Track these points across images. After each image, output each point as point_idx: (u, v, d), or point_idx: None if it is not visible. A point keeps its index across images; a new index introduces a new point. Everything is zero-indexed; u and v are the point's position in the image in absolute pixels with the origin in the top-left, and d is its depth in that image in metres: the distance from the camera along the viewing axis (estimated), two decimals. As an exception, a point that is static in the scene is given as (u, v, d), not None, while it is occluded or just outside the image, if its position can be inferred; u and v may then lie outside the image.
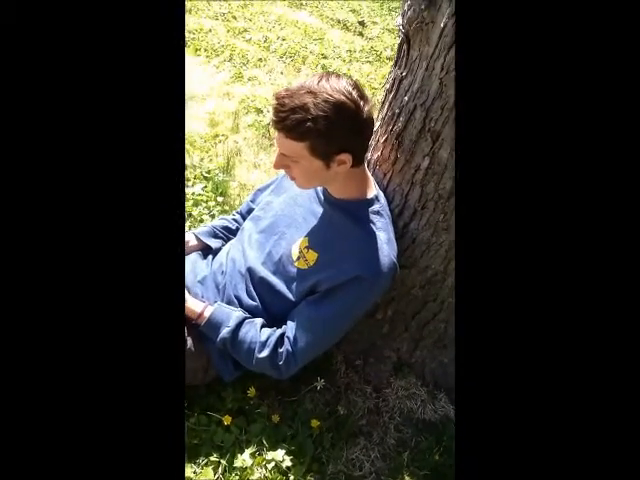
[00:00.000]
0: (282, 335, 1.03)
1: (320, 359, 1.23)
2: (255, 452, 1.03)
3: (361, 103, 0.88)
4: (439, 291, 1.15)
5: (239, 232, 1.25)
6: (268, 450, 1.03)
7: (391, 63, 1.15)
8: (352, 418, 1.14)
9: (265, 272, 1.08)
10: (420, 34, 0.92)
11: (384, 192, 1.10)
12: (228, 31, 3.66)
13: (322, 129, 0.85)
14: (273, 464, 1.01)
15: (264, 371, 1.05)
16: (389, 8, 5.83)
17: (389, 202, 1.09)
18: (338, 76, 0.89)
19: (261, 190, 1.34)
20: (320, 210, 1.08)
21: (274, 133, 0.92)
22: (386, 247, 0.99)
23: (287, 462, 1.02)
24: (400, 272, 1.09)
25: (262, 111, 2.60)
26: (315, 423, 1.08)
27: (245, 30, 3.74)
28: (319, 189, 1.09)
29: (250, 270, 1.10)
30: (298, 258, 1.05)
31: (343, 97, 0.86)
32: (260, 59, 3.26)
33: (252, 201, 1.34)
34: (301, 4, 4.98)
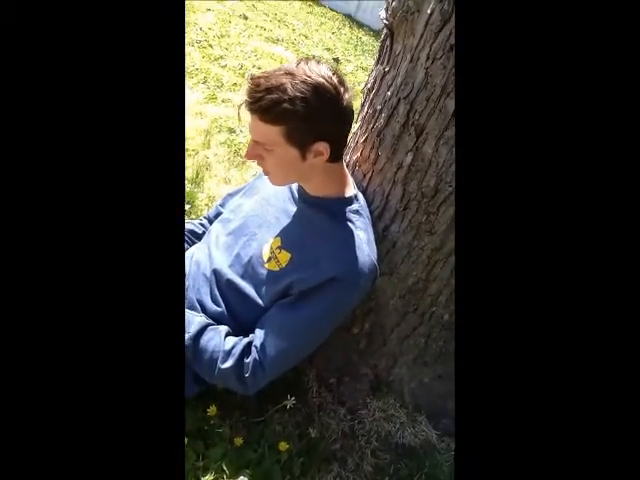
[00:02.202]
0: (249, 344, 0.92)
1: (291, 376, 1.13)
2: (214, 480, 0.89)
3: (341, 89, 0.83)
4: (420, 301, 1.08)
5: (206, 234, 1.15)
6: (229, 478, 0.90)
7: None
8: (325, 442, 1.03)
9: (232, 275, 0.99)
10: (404, 25, 0.89)
11: (364, 194, 1.04)
12: (203, 57, 3.66)
13: (299, 111, 0.79)
14: (234, 494, 0.87)
15: (228, 385, 0.93)
16: (363, 50, 6.06)
17: (369, 204, 1.03)
18: (318, 61, 0.85)
19: (231, 195, 1.26)
20: (294, 209, 1.00)
21: (247, 117, 0.85)
22: (366, 247, 0.91)
23: (250, 492, 0.89)
24: (379, 280, 1.02)
25: (235, 131, 2.55)
26: (284, 446, 0.96)
27: (221, 57, 3.75)
28: (294, 188, 1.02)
29: (216, 272, 1.00)
30: (269, 259, 0.96)
31: (322, 80, 0.81)
32: (235, 84, 3.25)
33: (221, 205, 1.25)
34: (277, 40, 5.10)
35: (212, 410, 0.98)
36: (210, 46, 4.01)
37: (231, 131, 2.51)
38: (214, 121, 2.59)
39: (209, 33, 4.30)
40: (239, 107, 0.86)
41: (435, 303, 1.08)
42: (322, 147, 0.85)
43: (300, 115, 0.80)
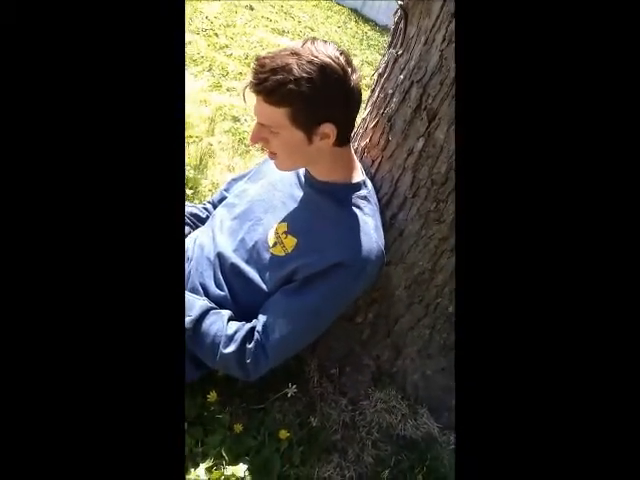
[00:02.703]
0: (252, 329, 0.90)
1: (292, 365, 1.11)
2: (212, 466, 0.88)
3: (348, 70, 0.81)
4: (425, 292, 1.06)
5: (210, 219, 1.13)
6: (228, 464, 0.88)
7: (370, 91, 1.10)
8: (326, 432, 1.01)
9: (237, 259, 0.97)
10: (420, 6, 0.87)
11: (372, 180, 1.01)
12: (209, 45, 3.62)
13: (305, 92, 0.77)
14: (233, 481, 0.86)
15: (229, 370, 0.91)
16: (368, 44, 6.02)
17: (377, 190, 1.01)
18: (325, 41, 0.83)
19: (236, 180, 1.24)
20: (301, 194, 0.98)
21: (252, 99, 0.83)
22: (374, 233, 0.89)
23: (249, 479, 0.87)
24: (385, 269, 1.00)
25: (239, 119, 2.52)
26: (284, 434, 0.94)
27: (226, 46, 3.71)
28: (301, 173, 1.00)
29: (220, 256, 0.98)
30: (275, 244, 0.94)
31: (329, 60, 0.78)
32: (240, 73, 3.22)
33: (226, 190, 1.23)
34: (283, 31, 5.06)
35: (212, 396, 0.96)
36: (215, 35, 3.97)
37: (235, 119, 2.49)
38: (218, 109, 2.56)
39: (215, 22, 4.26)
40: (244, 89, 0.84)
41: (441, 294, 1.06)
42: (329, 129, 0.83)
43: (306, 96, 0.77)
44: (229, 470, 0.86)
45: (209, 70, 3.08)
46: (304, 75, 0.77)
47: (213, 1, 4.91)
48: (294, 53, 0.78)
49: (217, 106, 2.58)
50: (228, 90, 2.89)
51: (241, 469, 0.87)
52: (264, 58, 0.79)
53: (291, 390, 1.00)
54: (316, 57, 0.78)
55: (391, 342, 1.13)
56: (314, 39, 0.82)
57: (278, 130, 0.83)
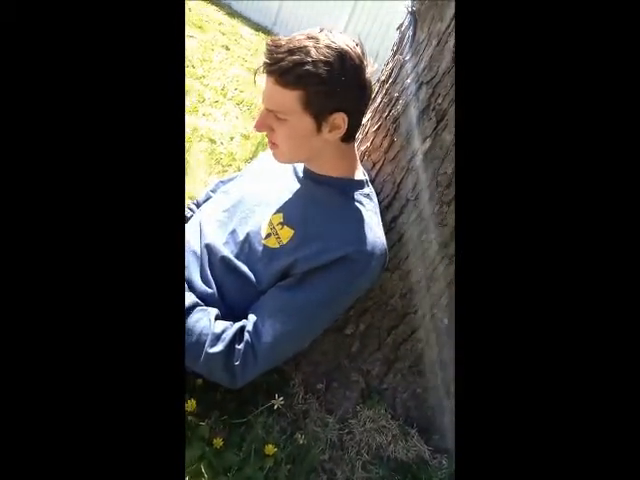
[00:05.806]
0: (242, 328, 0.82)
1: (274, 380, 1.02)
2: (188, 484, 0.76)
3: (364, 61, 0.80)
4: (421, 301, 1.02)
5: (196, 213, 1.06)
6: (207, 482, 0.76)
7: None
8: (313, 451, 0.91)
9: (227, 252, 0.89)
10: (432, 10, 0.89)
11: (372, 184, 0.99)
12: (185, 74, 3.63)
13: (322, 75, 0.75)
14: (212, 501, 0.74)
15: (213, 374, 0.81)
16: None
17: (378, 193, 0.98)
18: (340, 32, 0.82)
19: (223, 182, 1.18)
20: (298, 186, 0.94)
21: (261, 80, 0.80)
22: (378, 229, 0.86)
23: (230, 500, 0.76)
24: (380, 277, 0.96)
25: (215, 142, 2.49)
26: (271, 450, 0.83)
27: (203, 77, 3.73)
28: (298, 169, 0.96)
29: (209, 248, 0.90)
30: (268, 235, 0.88)
31: (347, 47, 0.78)
32: (217, 101, 3.22)
33: (212, 191, 1.17)
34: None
35: (191, 405, 0.85)
36: (193, 66, 4.00)
37: (212, 142, 2.45)
38: (194, 130, 2.52)
39: (192, 56, 4.31)
40: (255, 71, 0.82)
41: (436, 305, 1.02)
42: (340, 119, 0.80)
43: (322, 79, 0.75)
44: (208, 488, 0.75)
45: (185, 95, 3.06)
46: (322, 58, 0.75)
47: (190, 38, 4.99)
48: (311, 37, 0.77)
49: (193, 127, 2.54)
50: (204, 115, 2.87)
51: (221, 488, 0.76)
52: (279, 39, 0.77)
53: (278, 402, 0.90)
54: (334, 42, 0.77)
55: (382, 356, 1.07)
56: (329, 28, 0.81)
57: (287, 116, 0.79)
